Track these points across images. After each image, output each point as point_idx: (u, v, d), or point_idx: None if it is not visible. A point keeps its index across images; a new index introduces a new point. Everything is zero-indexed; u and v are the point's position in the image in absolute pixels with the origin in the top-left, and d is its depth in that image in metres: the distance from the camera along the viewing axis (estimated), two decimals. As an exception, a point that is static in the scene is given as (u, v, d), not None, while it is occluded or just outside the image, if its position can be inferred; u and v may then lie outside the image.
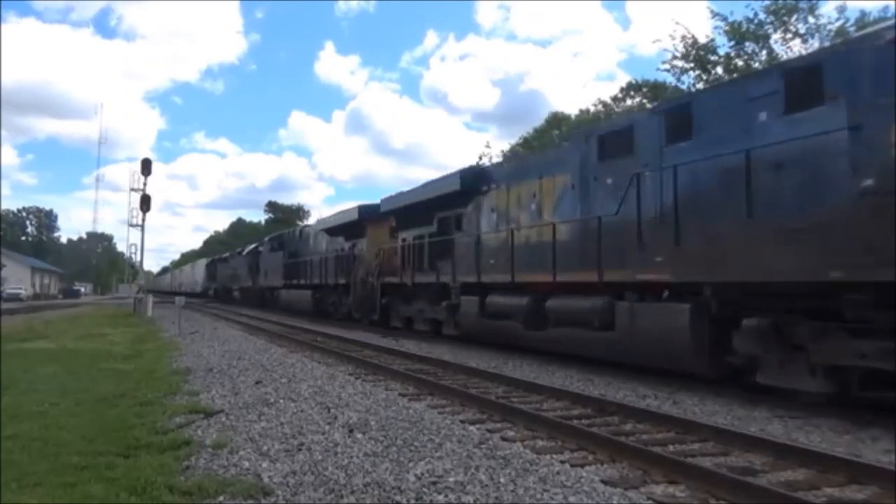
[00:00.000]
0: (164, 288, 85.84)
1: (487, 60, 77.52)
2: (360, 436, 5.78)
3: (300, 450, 5.29)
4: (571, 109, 42.71)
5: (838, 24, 19.86)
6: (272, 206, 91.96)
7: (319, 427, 6.12)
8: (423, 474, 4.63)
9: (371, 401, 7.50)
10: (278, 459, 5.02)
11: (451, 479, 4.52)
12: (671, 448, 5.49)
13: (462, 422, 6.48)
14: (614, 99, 35.56)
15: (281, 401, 7.44)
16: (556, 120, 41.70)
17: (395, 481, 4.47)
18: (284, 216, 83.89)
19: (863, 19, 19.58)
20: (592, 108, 37.91)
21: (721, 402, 7.59)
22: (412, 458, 5.09)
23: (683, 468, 4.69)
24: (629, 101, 32.54)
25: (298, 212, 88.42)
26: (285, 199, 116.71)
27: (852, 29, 19.44)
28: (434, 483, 4.44)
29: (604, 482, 4.50)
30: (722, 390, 8.13)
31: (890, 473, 4.55)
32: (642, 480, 4.59)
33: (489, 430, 6.11)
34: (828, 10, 20.70)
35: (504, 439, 5.77)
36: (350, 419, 6.45)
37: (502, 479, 4.53)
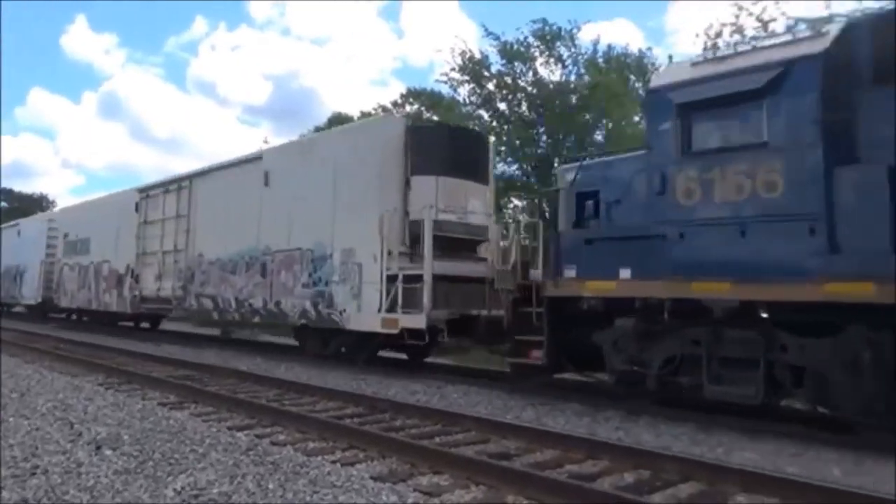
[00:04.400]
0: None
1: (260, 54, 74.74)
2: (109, 452, 5.21)
3: (34, 474, 4.62)
4: (350, 111, 42.94)
5: (590, 55, 22.40)
6: (8, 195, 79.49)
7: (60, 446, 5.40)
8: (183, 488, 4.31)
9: (125, 413, 6.82)
10: (5, 487, 4.33)
11: (216, 491, 4.27)
12: (437, 440, 5.77)
13: (229, 428, 6.17)
14: (394, 104, 36.52)
15: (11, 419, 6.43)
16: (339, 120, 41.63)
17: (151, 498, 4.11)
18: (22, 206, 73.04)
19: (609, 53, 22.27)
20: (373, 112, 38.51)
21: (483, 394, 8.17)
22: (171, 471, 4.71)
23: (447, 458, 4.95)
24: (408, 108, 33.60)
25: (41, 202, 77.54)
26: (22, 187, 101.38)
27: (600, 61, 22.02)
28: (196, 496, 4.16)
29: (373, 478, 4.58)
30: (486, 383, 8.75)
31: (619, 448, 5.27)
32: (409, 473, 4.75)
33: (258, 436, 5.89)
34: (584, 43, 22.90)
35: (274, 444, 5.60)
36: (98, 434, 5.79)
37: (271, 486, 4.40)
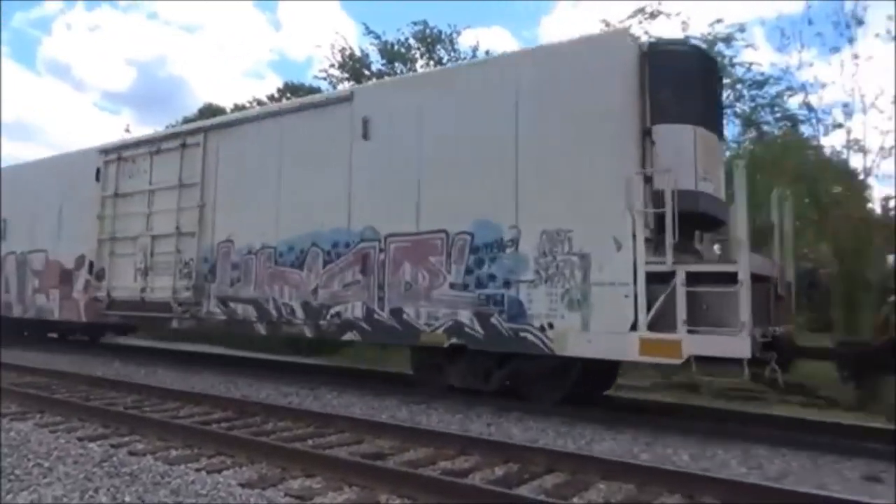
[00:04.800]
0: None
1: (123, 37, 68.38)
2: (-65, 471, 4.66)
3: None
4: (224, 102, 41.16)
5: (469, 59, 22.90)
6: None
7: None
8: (24, 506, 3.94)
9: (-44, 426, 6.12)
10: None
11: (63, 507, 3.94)
12: (310, 442, 5.65)
13: (80, 439, 5.70)
14: (271, 98, 35.36)
15: None
16: (211, 112, 39.69)
17: (-15, 520, 3.72)
18: None
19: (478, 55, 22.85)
20: (248, 105, 37.08)
21: (357, 395, 8.11)
22: (12, 489, 4.29)
23: (320, 460, 4.86)
24: (285, 102, 32.64)
25: None
26: None
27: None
28: (39, 514, 3.82)
29: (241, 485, 4.40)
30: (359, 383, 8.68)
31: (490, 443, 5.42)
32: (280, 478, 4.62)
33: (114, 446, 5.48)
34: (464, 48, 23.35)
35: (132, 453, 5.24)
36: (-78, 451, 5.15)
37: (127, 498, 4.11)
